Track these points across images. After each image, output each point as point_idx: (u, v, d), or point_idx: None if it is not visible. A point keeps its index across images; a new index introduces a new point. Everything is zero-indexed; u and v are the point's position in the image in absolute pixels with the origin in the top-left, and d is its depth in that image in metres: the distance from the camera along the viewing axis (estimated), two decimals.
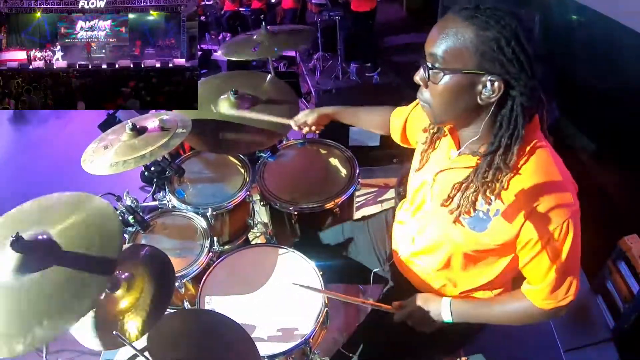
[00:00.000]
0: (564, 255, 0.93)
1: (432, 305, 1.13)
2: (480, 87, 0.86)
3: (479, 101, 0.88)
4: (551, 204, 0.89)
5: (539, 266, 0.96)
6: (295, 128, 1.56)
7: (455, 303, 1.12)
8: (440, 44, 0.86)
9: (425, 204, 1.13)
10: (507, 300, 1.10)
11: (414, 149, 1.24)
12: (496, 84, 0.84)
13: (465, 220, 0.99)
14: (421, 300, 1.15)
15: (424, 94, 0.94)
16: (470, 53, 0.83)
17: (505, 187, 0.91)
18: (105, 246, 0.90)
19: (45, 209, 1.00)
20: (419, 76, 0.92)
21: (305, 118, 1.52)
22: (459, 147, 1.02)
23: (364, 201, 2.71)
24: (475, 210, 0.97)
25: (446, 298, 1.13)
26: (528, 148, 0.92)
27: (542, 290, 0.99)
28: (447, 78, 0.87)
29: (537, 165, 0.91)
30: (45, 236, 0.90)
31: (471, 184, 0.95)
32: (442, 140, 1.10)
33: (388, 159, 2.91)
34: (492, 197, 0.93)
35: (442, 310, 1.11)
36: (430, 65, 0.88)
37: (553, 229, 0.90)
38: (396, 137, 1.39)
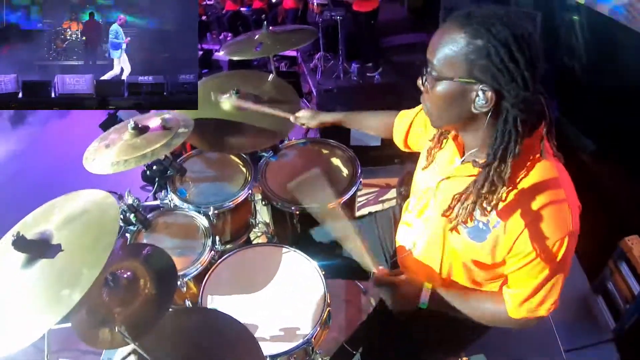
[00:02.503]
0: (548, 269, 0.92)
1: (414, 286, 1.09)
2: (473, 95, 0.85)
3: (474, 110, 0.87)
4: (549, 220, 0.88)
5: (524, 274, 0.95)
6: (293, 121, 1.60)
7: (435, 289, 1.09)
8: (436, 51, 0.87)
9: (428, 209, 1.13)
10: (484, 298, 1.09)
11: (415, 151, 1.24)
12: (488, 93, 0.83)
13: (465, 229, 0.99)
14: (408, 278, 1.12)
15: (424, 98, 0.96)
16: (462, 61, 0.83)
17: (503, 199, 0.90)
18: (101, 236, 0.90)
19: (56, 208, 1.01)
20: (420, 81, 0.94)
21: (306, 122, 1.57)
22: (462, 155, 1.02)
23: (365, 201, 2.71)
24: (473, 220, 0.96)
25: (429, 283, 1.10)
26: (529, 162, 0.90)
27: (518, 296, 0.99)
28: (441, 85, 0.88)
29: (538, 179, 0.89)
30: (44, 235, 0.91)
31: (470, 195, 0.94)
32: (448, 141, 1.10)
33: (390, 159, 2.92)
34: (490, 209, 0.92)
35: (423, 293, 1.07)
36: (427, 72, 0.90)
37: (548, 244, 0.89)
38: (399, 141, 1.39)
